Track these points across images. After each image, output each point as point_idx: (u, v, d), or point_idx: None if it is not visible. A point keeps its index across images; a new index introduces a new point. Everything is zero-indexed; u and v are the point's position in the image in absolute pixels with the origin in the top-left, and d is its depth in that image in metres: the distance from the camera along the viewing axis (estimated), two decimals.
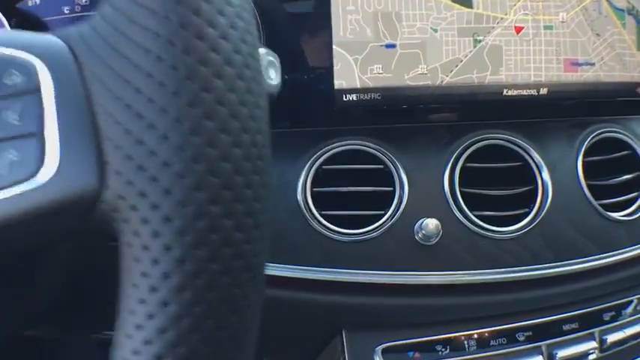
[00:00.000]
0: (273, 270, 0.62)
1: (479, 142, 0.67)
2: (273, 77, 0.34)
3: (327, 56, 0.65)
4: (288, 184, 0.64)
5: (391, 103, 0.66)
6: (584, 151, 0.69)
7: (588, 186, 0.68)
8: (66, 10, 0.72)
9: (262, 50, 0.30)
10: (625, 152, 0.72)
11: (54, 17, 0.73)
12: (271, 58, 0.33)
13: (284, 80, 0.36)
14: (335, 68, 0.66)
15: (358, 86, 0.66)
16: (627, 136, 0.73)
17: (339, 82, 0.66)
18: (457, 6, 0.67)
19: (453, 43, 0.67)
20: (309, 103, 0.67)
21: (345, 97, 0.66)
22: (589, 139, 0.70)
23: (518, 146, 0.68)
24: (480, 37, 0.67)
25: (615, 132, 0.72)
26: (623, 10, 0.74)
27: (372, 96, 0.66)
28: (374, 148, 0.65)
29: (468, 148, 0.66)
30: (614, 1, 0.73)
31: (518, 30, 0.69)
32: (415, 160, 0.65)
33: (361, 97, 0.66)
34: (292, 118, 0.67)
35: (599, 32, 0.72)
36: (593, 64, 0.72)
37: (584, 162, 0.69)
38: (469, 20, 0.67)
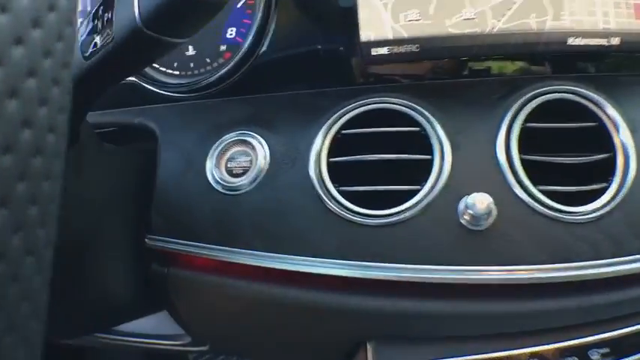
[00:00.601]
0: (277, 262, 0.49)
1: (541, 95, 0.53)
2: None
3: (352, 2, 0.54)
4: (297, 154, 0.52)
5: (431, 56, 0.55)
6: None
7: None
8: None
9: None
10: None
11: None
12: None
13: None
14: (360, 15, 0.54)
15: (390, 37, 0.54)
16: None
17: (366, 34, 0.54)
18: None
19: None
20: (331, 60, 0.55)
21: (375, 51, 0.54)
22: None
23: (591, 101, 0.54)
24: None
25: None
26: None
27: (408, 48, 0.54)
28: (407, 106, 0.52)
29: (528, 103, 0.53)
30: None
31: None
32: (460, 119, 0.52)
33: (394, 50, 0.54)
34: (306, 78, 0.56)
35: None
36: None
37: None
38: None
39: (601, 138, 0.53)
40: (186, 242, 0.53)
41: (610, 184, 0.52)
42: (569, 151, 0.53)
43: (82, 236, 0.51)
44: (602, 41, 0.57)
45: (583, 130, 0.53)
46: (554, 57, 0.56)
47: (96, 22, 0.39)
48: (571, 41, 0.56)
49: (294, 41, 0.56)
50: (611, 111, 0.53)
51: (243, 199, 0.52)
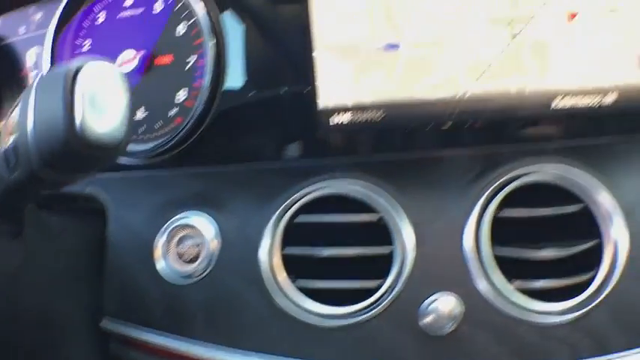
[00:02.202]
0: (227, 356, 0.46)
1: (517, 179, 0.47)
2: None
3: (308, 66, 0.49)
4: (248, 242, 0.48)
5: (397, 124, 0.49)
6: None
7: None
8: (21, 30, 0.65)
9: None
10: None
11: (12, 39, 0.65)
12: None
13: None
14: (319, 81, 0.49)
15: (351, 104, 0.49)
16: None
17: (324, 100, 0.49)
18: None
19: (480, 39, 0.49)
20: (284, 129, 0.50)
21: (333, 120, 0.49)
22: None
23: (578, 184, 0.47)
24: (518, 30, 0.49)
25: None
26: None
27: (371, 116, 0.49)
28: (366, 193, 0.47)
29: (502, 188, 0.47)
30: None
31: (572, 16, 0.50)
32: (425, 206, 0.47)
33: (355, 118, 0.49)
34: (259, 150, 0.51)
35: None
36: None
37: None
38: (502, 7, 0.49)
39: (588, 224, 0.47)
40: (139, 328, 0.51)
41: (595, 274, 0.46)
42: (550, 239, 0.47)
43: (35, 319, 0.50)
44: (595, 99, 0.50)
45: (567, 215, 0.47)
46: (538, 123, 0.50)
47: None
48: (556, 103, 0.50)
49: (247, 106, 0.51)
50: (599, 195, 0.47)
51: (194, 288, 0.49)
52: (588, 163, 0.48)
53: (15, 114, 0.37)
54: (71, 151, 0.32)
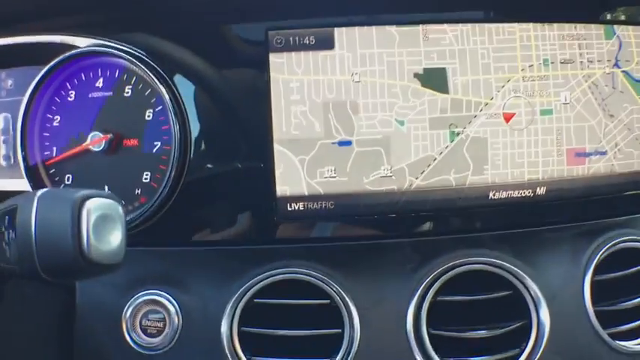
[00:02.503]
0: None
1: (454, 268, 0.53)
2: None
3: (267, 157, 0.53)
4: (208, 321, 0.51)
5: (347, 213, 0.53)
6: (594, 269, 0.55)
7: (595, 313, 0.54)
8: None
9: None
10: None
11: None
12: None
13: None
14: (277, 171, 0.53)
15: (306, 193, 0.53)
16: None
17: (282, 188, 0.53)
18: (429, 91, 0.53)
19: (424, 137, 0.53)
20: (245, 215, 0.54)
21: (290, 207, 0.53)
22: (601, 252, 0.55)
23: (508, 271, 0.53)
24: (459, 129, 0.54)
25: (635, 240, 0.57)
26: None
27: (323, 205, 0.53)
28: (319, 278, 0.52)
29: (441, 276, 0.52)
30: (633, 71, 0.59)
31: (508, 117, 0.55)
32: (371, 292, 0.52)
33: (309, 206, 0.53)
34: (220, 233, 0.55)
35: (612, 112, 0.58)
36: (604, 153, 0.57)
37: (592, 282, 0.54)
38: (444, 108, 0.54)
39: (518, 306, 0.53)
40: None
41: (522, 351, 0.52)
42: (482, 320, 0.52)
43: None
44: (527, 192, 0.55)
45: (499, 299, 0.52)
46: (476, 213, 0.55)
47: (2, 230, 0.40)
48: (492, 195, 0.55)
49: (209, 191, 0.55)
50: (530, 282, 0.53)
51: (160, 358, 0.52)
52: (519, 252, 0.54)
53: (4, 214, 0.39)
54: (74, 267, 0.36)
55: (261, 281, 0.51)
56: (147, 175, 0.56)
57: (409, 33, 0.53)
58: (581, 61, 0.56)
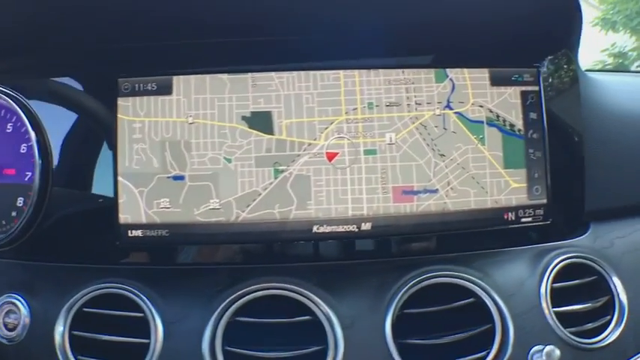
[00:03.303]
0: None
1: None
2: None
3: (113, 188, 0.59)
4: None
5: (180, 241, 0.59)
6: (402, 304, 0.57)
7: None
8: None
9: None
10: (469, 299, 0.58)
11: None
12: None
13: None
14: (120, 201, 0.59)
15: (144, 221, 0.59)
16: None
17: (124, 217, 0.59)
18: (255, 132, 0.58)
19: (249, 174, 0.58)
20: (94, 238, 0.60)
21: (130, 233, 0.59)
22: (407, 286, 0.57)
23: (309, 299, 0.56)
24: (283, 167, 0.58)
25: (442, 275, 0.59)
26: (481, 122, 0.62)
27: (159, 232, 0.59)
28: (136, 294, 0.57)
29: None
30: (468, 112, 0.61)
31: (331, 157, 0.59)
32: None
33: (147, 233, 0.59)
34: (74, 250, 0.61)
35: (443, 152, 0.60)
36: (435, 191, 0.60)
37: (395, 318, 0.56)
38: (269, 148, 0.58)
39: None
40: None
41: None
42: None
43: None
44: (352, 227, 0.59)
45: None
46: (301, 244, 0.59)
47: None
48: (316, 229, 0.59)
49: (65, 215, 0.62)
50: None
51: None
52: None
53: None
54: None
55: (87, 294, 0.57)
56: (20, 200, 0.64)
57: (239, 80, 0.59)
58: (409, 104, 0.60)
